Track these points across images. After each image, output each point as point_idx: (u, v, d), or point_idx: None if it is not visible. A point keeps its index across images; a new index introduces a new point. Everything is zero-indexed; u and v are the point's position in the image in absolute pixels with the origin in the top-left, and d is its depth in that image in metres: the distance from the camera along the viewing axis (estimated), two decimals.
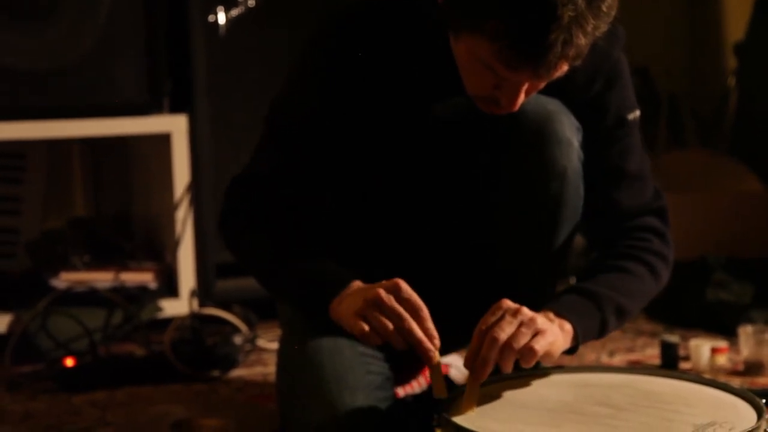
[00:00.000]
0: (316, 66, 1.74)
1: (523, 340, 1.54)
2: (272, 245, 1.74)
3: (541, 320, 1.59)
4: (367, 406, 1.70)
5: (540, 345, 1.55)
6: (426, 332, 1.55)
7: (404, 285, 1.57)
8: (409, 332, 1.54)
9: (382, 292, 1.55)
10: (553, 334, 1.60)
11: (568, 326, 1.64)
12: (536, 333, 1.56)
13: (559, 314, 1.65)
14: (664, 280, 1.82)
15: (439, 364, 1.54)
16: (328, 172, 1.79)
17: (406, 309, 1.55)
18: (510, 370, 1.56)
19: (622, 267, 1.77)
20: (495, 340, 1.54)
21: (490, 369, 1.54)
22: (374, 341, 1.55)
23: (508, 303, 1.59)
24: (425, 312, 1.55)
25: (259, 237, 1.76)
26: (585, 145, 1.79)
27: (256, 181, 1.78)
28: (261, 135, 1.82)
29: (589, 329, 1.69)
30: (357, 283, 1.65)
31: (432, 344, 1.54)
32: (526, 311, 1.58)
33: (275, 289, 1.80)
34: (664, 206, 1.84)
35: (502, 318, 1.57)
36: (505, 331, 1.54)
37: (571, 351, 1.67)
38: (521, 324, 1.56)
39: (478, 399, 1.53)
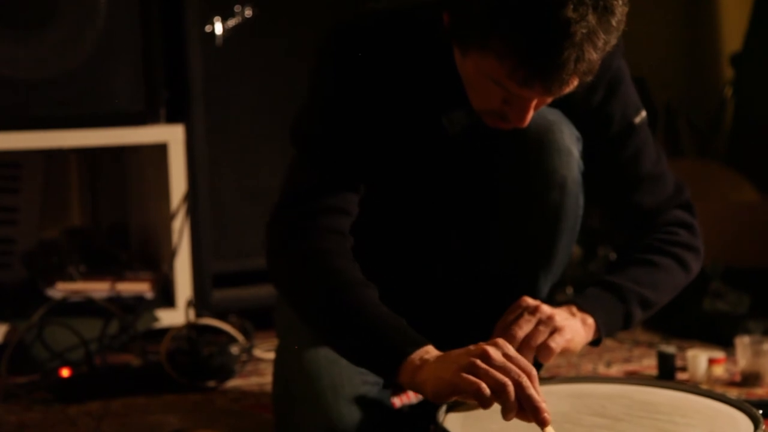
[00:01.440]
0: (333, 78, 1.72)
1: (540, 338, 1.60)
2: (329, 292, 1.61)
3: (560, 317, 1.63)
4: (363, 417, 1.70)
5: (556, 343, 1.61)
6: (537, 393, 1.43)
7: (508, 344, 1.48)
8: (526, 390, 1.41)
9: (491, 349, 1.45)
10: (571, 330, 1.64)
11: (590, 320, 1.68)
12: (554, 330, 1.62)
13: (582, 308, 1.69)
14: (695, 271, 1.84)
15: (551, 428, 1.43)
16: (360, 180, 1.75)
17: (517, 367, 1.44)
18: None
19: (647, 260, 1.79)
20: (513, 338, 1.60)
21: None
22: (489, 403, 1.41)
23: (527, 301, 1.65)
24: (535, 372, 1.44)
25: (314, 281, 1.63)
26: (596, 153, 1.80)
27: (299, 203, 1.69)
28: (293, 158, 1.76)
29: (613, 322, 1.72)
30: (432, 348, 1.53)
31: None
32: (545, 309, 1.63)
33: (333, 342, 1.64)
34: (688, 200, 1.87)
35: (520, 316, 1.62)
36: (522, 329, 1.60)
37: (595, 343, 1.72)
38: (539, 322, 1.62)
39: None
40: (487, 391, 1.40)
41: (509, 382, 1.41)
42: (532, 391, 1.41)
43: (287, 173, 1.75)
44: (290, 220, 1.68)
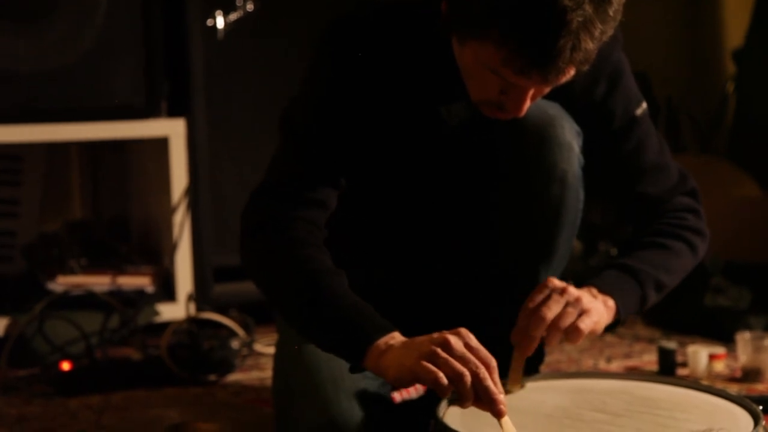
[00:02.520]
0: (327, 70, 1.73)
1: (569, 320, 1.60)
2: (299, 278, 1.62)
3: (587, 299, 1.64)
4: (362, 411, 1.70)
5: (585, 324, 1.61)
6: (495, 385, 1.45)
7: (471, 334, 1.49)
8: (483, 382, 1.43)
9: (452, 338, 1.46)
10: (597, 312, 1.64)
11: (611, 302, 1.69)
12: (582, 312, 1.62)
13: (602, 290, 1.69)
14: (702, 254, 1.86)
15: (507, 419, 1.46)
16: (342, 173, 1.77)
17: (476, 358, 1.45)
18: (554, 346, 1.62)
19: (660, 243, 1.80)
20: (542, 319, 1.59)
21: (536, 345, 1.60)
22: (446, 391, 1.43)
23: (554, 282, 1.64)
24: (494, 363, 1.46)
25: (284, 267, 1.64)
26: (599, 146, 1.81)
27: (277, 190, 1.71)
28: (278, 145, 1.76)
29: (630, 305, 1.73)
30: (399, 334, 1.54)
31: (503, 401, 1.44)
32: (573, 290, 1.63)
33: (302, 327, 1.66)
34: (694, 188, 1.88)
35: (549, 297, 1.62)
36: (552, 310, 1.60)
37: (613, 326, 1.72)
38: (567, 303, 1.61)
39: (522, 374, 1.59)
40: (444, 380, 1.42)
41: (466, 373, 1.42)
42: (489, 382, 1.43)
43: (271, 160, 1.76)
44: (266, 208, 1.70)
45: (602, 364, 2.52)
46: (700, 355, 2.35)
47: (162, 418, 2.18)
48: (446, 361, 1.43)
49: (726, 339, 2.56)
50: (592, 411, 1.54)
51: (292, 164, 1.71)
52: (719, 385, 2.04)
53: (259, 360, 2.62)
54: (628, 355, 2.60)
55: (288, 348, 1.84)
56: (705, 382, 1.95)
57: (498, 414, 1.43)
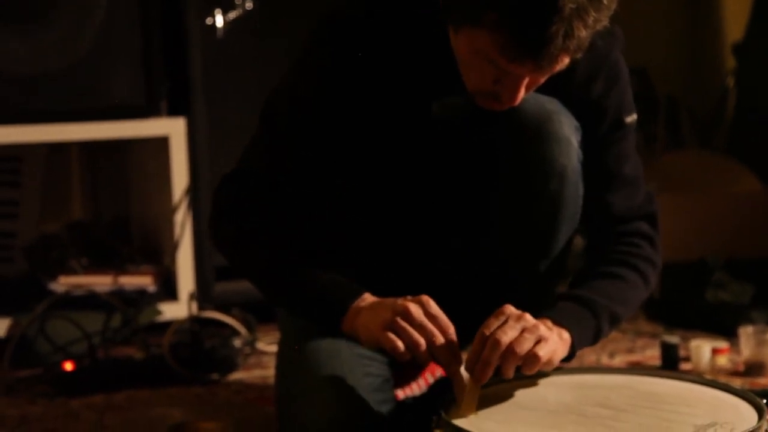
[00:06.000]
0: (316, 63, 1.73)
1: (526, 346, 1.54)
2: (271, 252, 1.71)
3: (543, 327, 1.59)
4: (365, 408, 1.69)
5: (544, 351, 1.55)
6: (453, 351, 1.55)
7: (432, 301, 1.56)
8: (439, 349, 1.54)
9: (412, 307, 1.55)
10: (554, 342, 1.59)
11: (566, 335, 1.63)
12: (539, 340, 1.56)
13: (557, 323, 1.63)
14: (653, 286, 1.83)
15: (464, 384, 1.52)
16: (324, 169, 1.78)
17: (435, 326, 1.54)
18: (510, 376, 1.55)
19: (615, 274, 1.76)
20: (498, 343, 1.53)
21: (491, 372, 1.54)
22: (405, 357, 1.54)
23: (511, 309, 1.59)
24: (453, 330, 1.54)
25: (255, 242, 1.73)
26: (582, 145, 1.78)
27: (249, 177, 1.76)
28: (255, 131, 1.80)
29: (585, 337, 1.68)
30: (369, 295, 1.62)
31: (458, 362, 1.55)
32: (530, 318, 1.58)
33: (276, 298, 1.78)
34: (655, 211, 1.84)
35: (505, 322, 1.56)
36: (507, 335, 1.54)
37: (566, 359, 1.66)
38: (524, 329, 1.56)
39: (477, 402, 1.53)
40: (401, 348, 1.53)
41: (422, 342, 1.53)
42: (444, 348, 1.54)
43: (247, 144, 1.81)
44: (234, 194, 1.77)
45: (605, 360, 2.52)
46: (703, 349, 2.35)
47: (164, 417, 2.18)
48: (404, 330, 1.53)
49: (729, 333, 2.55)
50: (596, 406, 1.54)
51: (264, 153, 1.76)
52: (722, 380, 2.04)
53: (261, 358, 2.62)
54: (630, 351, 2.60)
55: (289, 346, 1.84)
56: (708, 377, 1.95)
57: (451, 375, 1.54)
